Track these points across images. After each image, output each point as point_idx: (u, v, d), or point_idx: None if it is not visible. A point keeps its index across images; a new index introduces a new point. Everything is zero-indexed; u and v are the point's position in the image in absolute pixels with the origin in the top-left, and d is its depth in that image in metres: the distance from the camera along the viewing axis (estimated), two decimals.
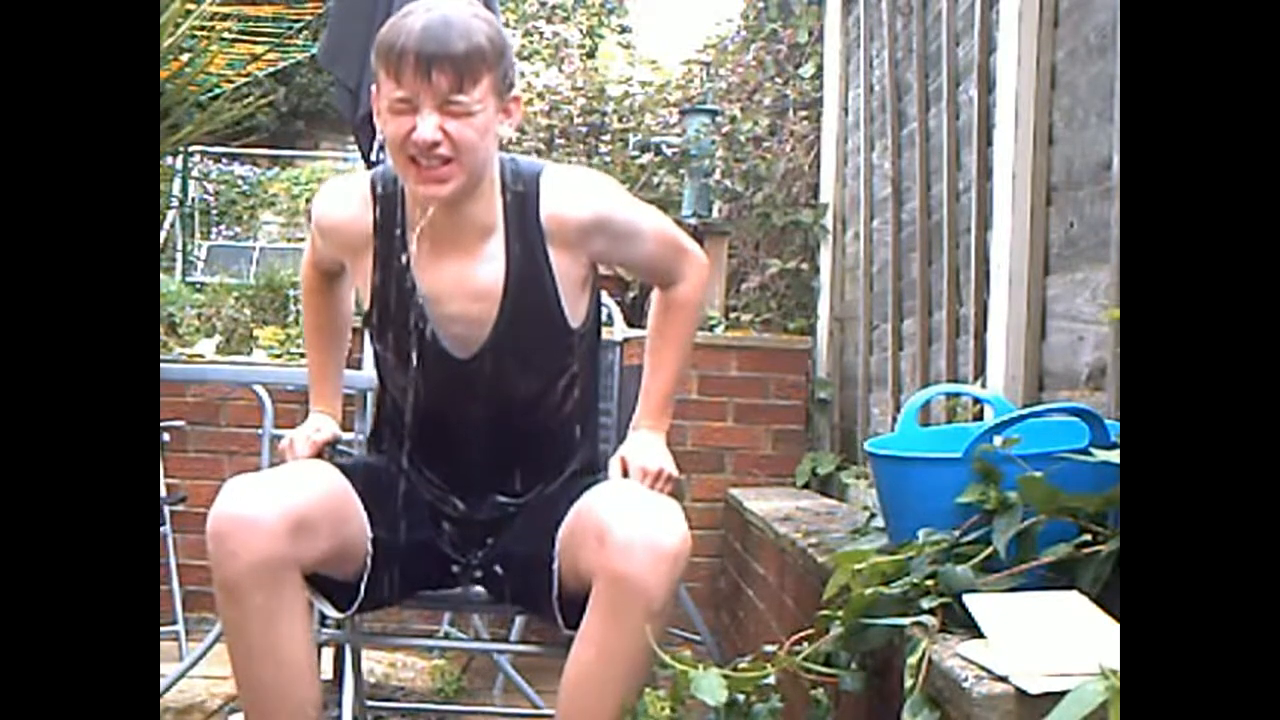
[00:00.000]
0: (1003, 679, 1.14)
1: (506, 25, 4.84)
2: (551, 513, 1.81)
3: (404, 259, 1.83)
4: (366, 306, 1.89)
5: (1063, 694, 1.03)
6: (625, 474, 1.84)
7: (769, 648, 1.54)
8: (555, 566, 1.75)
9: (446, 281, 1.83)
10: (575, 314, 1.87)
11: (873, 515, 2.34)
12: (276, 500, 1.63)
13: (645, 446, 1.91)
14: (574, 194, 1.84)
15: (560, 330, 1.86)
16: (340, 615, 1.85)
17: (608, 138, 4.92)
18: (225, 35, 3.94)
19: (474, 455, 1.91)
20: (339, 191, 1.91)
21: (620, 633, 1.57)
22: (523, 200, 1.82)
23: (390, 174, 1.84)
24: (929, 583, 1.40)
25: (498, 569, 1.93)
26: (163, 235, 7.10)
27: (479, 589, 1.99)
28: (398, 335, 1.86)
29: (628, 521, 1.59)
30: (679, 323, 2.01)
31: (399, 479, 1.92)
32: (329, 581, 1.77)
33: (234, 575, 1.60)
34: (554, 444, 1.94)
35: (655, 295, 2.03)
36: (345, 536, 1.75)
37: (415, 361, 1.85)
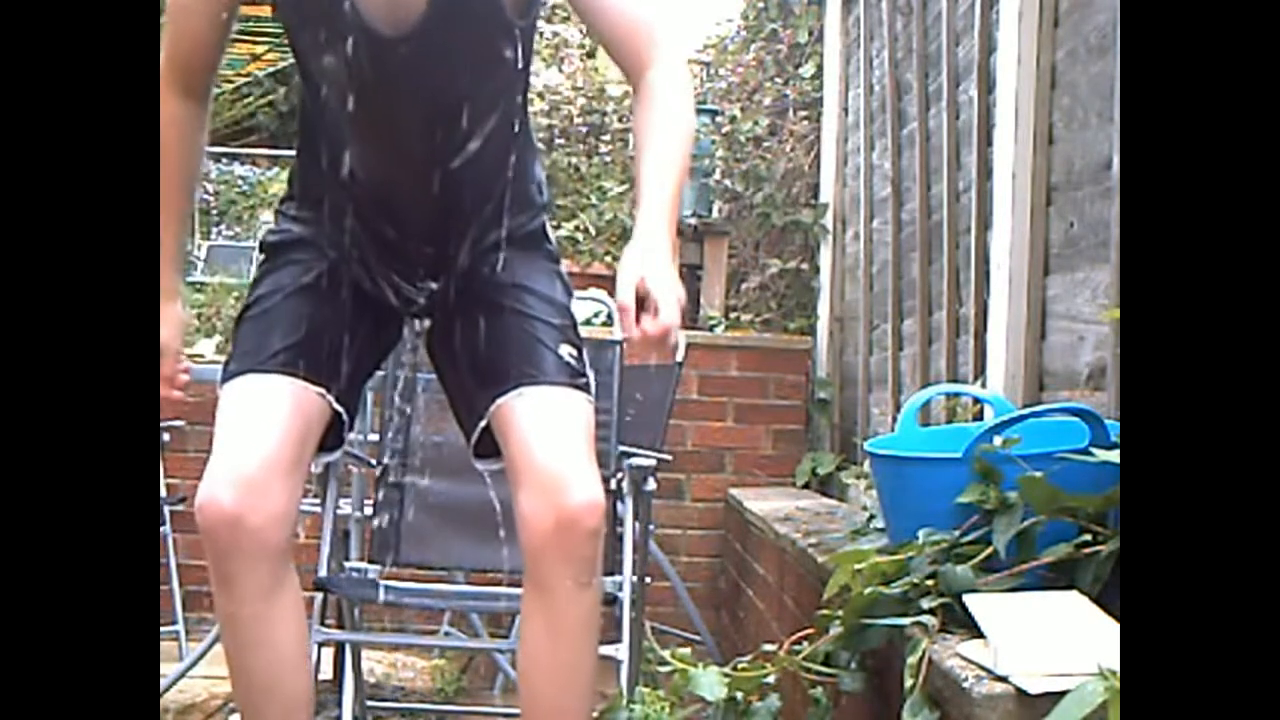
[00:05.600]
0: (1003, 679, 1.14)
1: None
2: (493, 326, 1.72)
3: None
4: None
5: (1063, 694, 1.03)
6: (639, 301, 1.49)
7: (769, 647, 1.55)
8: (484, 425, 1.71)
9: None
10: (515, 8, 1.64)
11: (873, 515, 2.35)
12: (258, 488, 1.59)
13: (656, 268, 1.52)
14: None
15: (499, 19, 1.63)
16: (334, 456, 1.81)
17: (608, 138, 4.92)
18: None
19: (408, 193, 1.72)
20: None
21: (557, 605, 1.61)
22: None
23: None
24: (929, 583, 1.40)
25: (438, 327, 1.84)
26: None
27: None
28: (314, 15, 1.63)
29: (538, 495, 1.59)
30: (671, 109, 1.66)
31: (325, 277, 1.75)
32: None
33: (228, 571, 1.60)
34: (490, 181, 1.75)
35: (635, 98, 1.71)
36: (318, 430, 1.71)
37: (336, 45, 1.60)
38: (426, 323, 1.85)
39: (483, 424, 1.71)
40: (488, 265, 1.78)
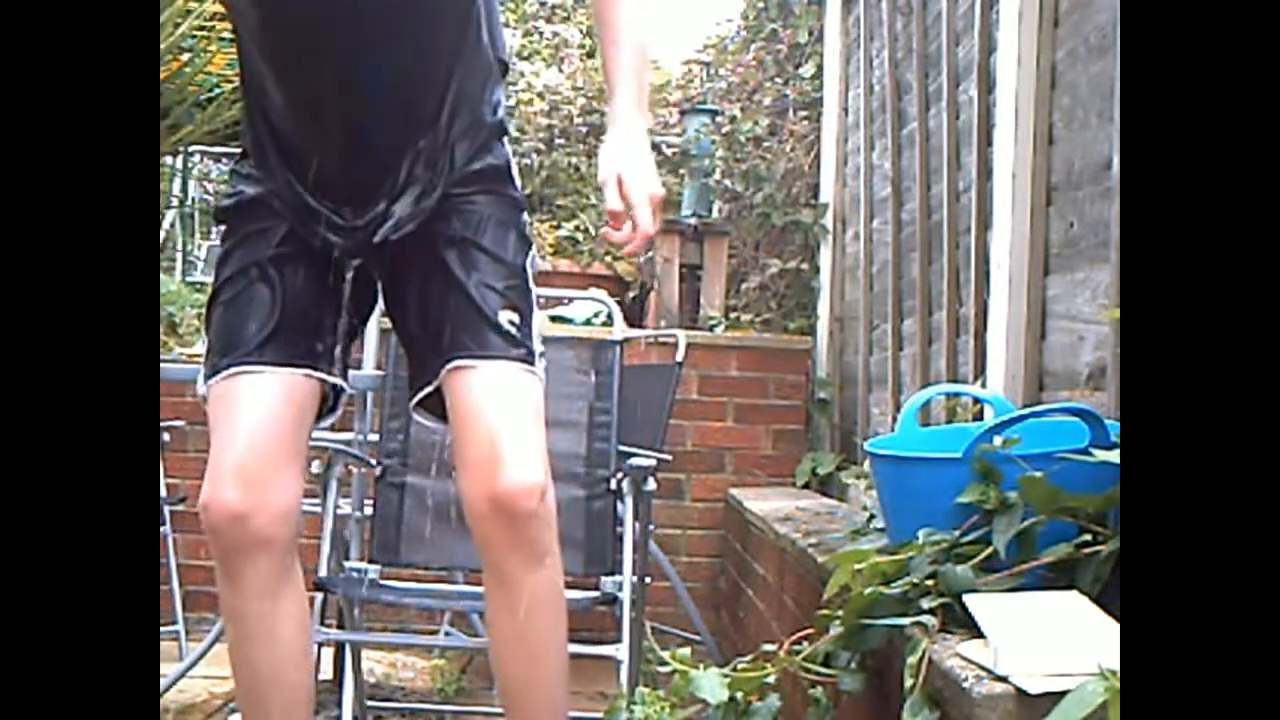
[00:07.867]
0: (1003, 679, 1.14)
1: (506, 25, 4.84)
2: (437, 288, 1.69)
3: None
4: None
5: (1063, 694, 1.03)
6: (622, 197, 1.65)
7: (769, 647, 1.54)
8: (432, 388, 1.71)
9: None
10: None
11: (873, 515, 2.35)
12: (261, 485, 1.62)
13: (633, 165, 1.68)
14: None
15: None
16: (334, 418, 1.81)
17: None
18: (225, 35, 3.93)
19: (341, 110, 1.66)
20: None
21: (512, 588, 1.64)
22: None
23: None
24: (929, 583, 1.40)
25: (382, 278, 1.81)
26: (163, 235, 7.09)
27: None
28: None
29: (471, 480, 1.61)
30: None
31: (286, 244, 1.73)
32: None
33: (233, 568, 1.63)
34: (430, 93, 1.69)
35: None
36: (312, 410, 1.73)
37: None
38: (356, 262, 1.76)
39: (431, 388, 1.71)
40: (442, 204, 1.71)
